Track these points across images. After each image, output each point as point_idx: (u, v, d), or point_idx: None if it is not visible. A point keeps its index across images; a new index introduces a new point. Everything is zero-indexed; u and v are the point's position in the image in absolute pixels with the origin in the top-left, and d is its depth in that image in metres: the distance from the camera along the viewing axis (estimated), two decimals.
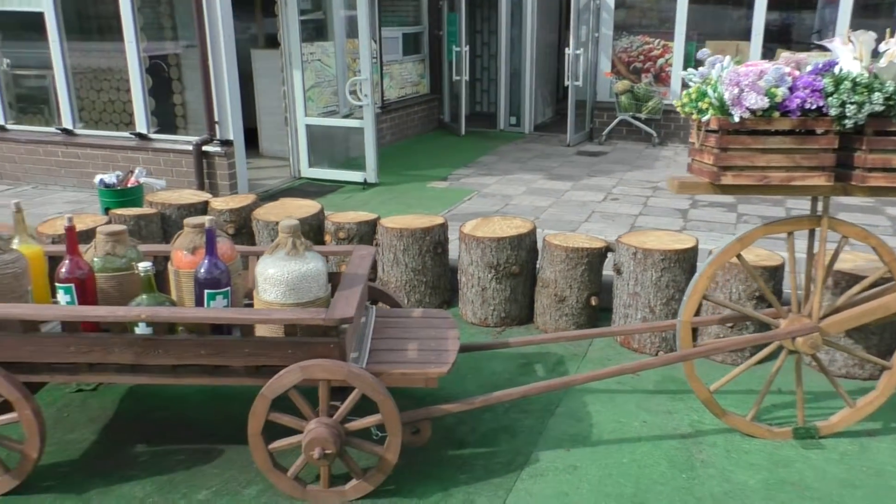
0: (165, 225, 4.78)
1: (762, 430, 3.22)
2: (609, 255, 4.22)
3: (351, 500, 2.80)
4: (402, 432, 2.80)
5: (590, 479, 2.95)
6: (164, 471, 2.99)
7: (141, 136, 6.95)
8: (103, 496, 2.84)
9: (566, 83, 9.12)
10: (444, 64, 10.26)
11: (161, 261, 3.26)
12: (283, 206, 4.83)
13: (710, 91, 2.87)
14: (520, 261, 4.25)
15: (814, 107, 2.79)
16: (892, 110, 2.71)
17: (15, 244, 3.03)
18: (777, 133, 2.83)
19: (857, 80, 2.70)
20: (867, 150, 2.76)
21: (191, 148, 6.68)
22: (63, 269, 2.87)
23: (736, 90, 2.77)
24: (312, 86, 7.74)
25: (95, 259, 3.04)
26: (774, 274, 3.79)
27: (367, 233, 4.52)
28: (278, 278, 2.77)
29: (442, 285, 4.53)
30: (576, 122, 9.37)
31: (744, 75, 2.78)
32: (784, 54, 2.95)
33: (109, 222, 4.45)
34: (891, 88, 2.67)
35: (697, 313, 3.89)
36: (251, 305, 2.99)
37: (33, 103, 7.55)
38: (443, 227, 4.44)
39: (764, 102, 2.77)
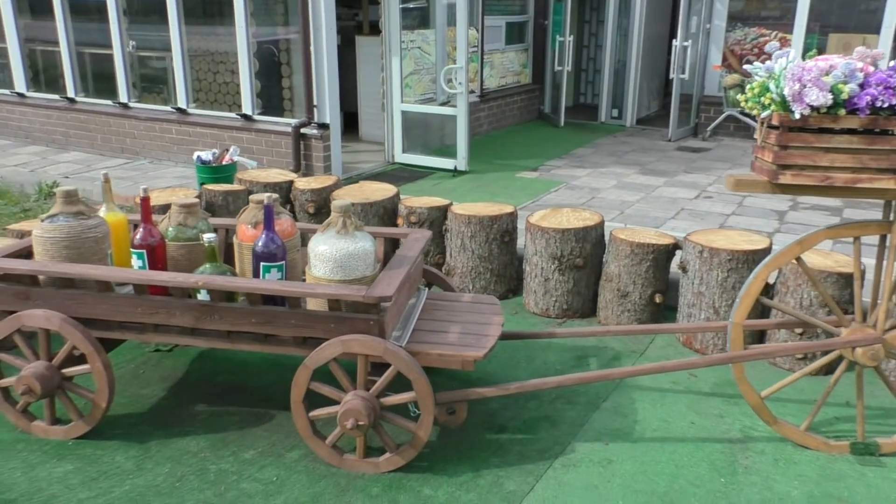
0: None
1: (817, 441, 3.09)
2: (677, 252, 4.12)
3: (383, 472, 2.90)
4: (437, 412, 2.88)
5: (623, 475, 2.92)
6: (219, 429, 3.20)
7: (246, 117, 7.32)
8: (162, 447, 3.08)
9: (671, 75, 8.86)
10: (547, 54, 10.17)
11: (232, 234, 3.48)
12: (362, 188, 4.98)
13: (772, 86, 2.77)
14: (584, 253, 4.21)
15: (886, 105, 2.64)
16: None
17: (102, 212, 3.32)
18: (843, 132, 2.70)
19: None
20: None
21: (290, 130, 6.99)
22: (137, 237, 3.12)
23: (797, 86, 2.66)
24: (411, 73, 7.88)
25: (170, 229, 3.29)
26: (850, 281, 3.59)
27: (437, 218, 4.61)
28: (328, 255, 2.90)
29: (508, 274, 4.56)
30: (679, 116, 9.09)
31: (807, 70, 2.66)
32: (859, 48, 2.79)
33: (199, 197, 4.74)
34: None
35: (761, 316, 3.76)
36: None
37: (154, 83, 8.08)
38: (511, 217, 4.46)
39: (827, 99, 2.64)
